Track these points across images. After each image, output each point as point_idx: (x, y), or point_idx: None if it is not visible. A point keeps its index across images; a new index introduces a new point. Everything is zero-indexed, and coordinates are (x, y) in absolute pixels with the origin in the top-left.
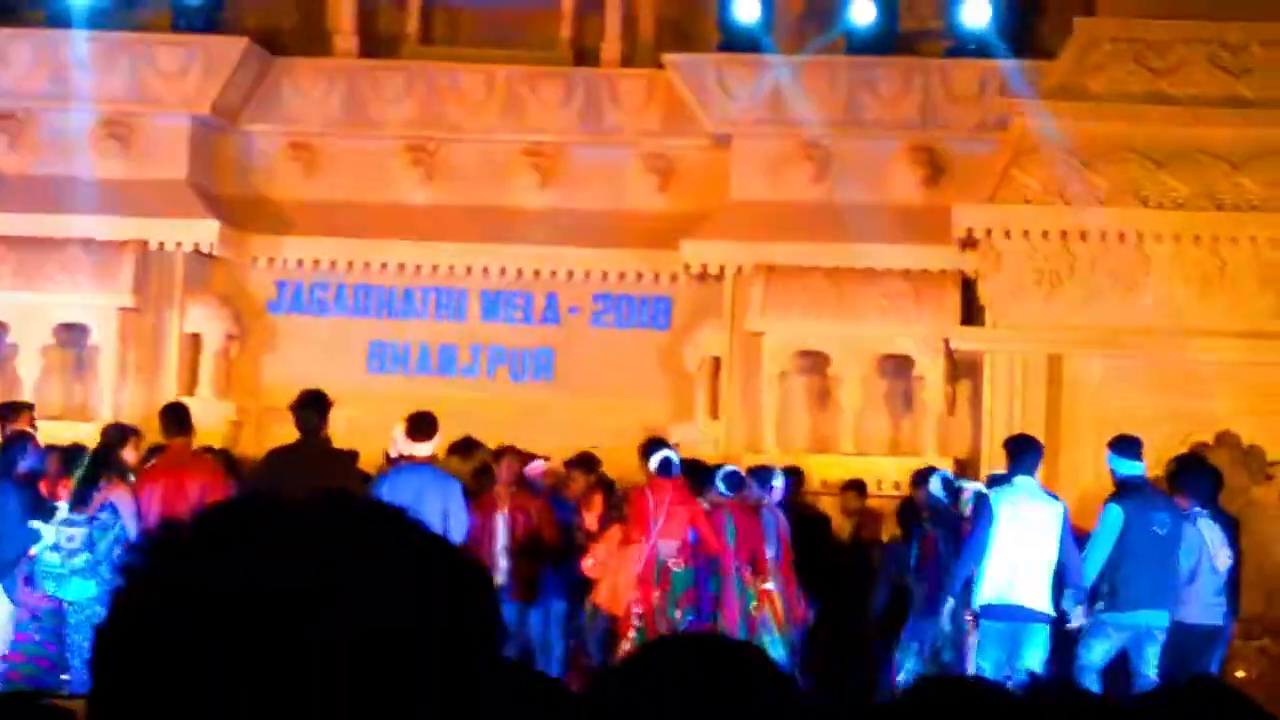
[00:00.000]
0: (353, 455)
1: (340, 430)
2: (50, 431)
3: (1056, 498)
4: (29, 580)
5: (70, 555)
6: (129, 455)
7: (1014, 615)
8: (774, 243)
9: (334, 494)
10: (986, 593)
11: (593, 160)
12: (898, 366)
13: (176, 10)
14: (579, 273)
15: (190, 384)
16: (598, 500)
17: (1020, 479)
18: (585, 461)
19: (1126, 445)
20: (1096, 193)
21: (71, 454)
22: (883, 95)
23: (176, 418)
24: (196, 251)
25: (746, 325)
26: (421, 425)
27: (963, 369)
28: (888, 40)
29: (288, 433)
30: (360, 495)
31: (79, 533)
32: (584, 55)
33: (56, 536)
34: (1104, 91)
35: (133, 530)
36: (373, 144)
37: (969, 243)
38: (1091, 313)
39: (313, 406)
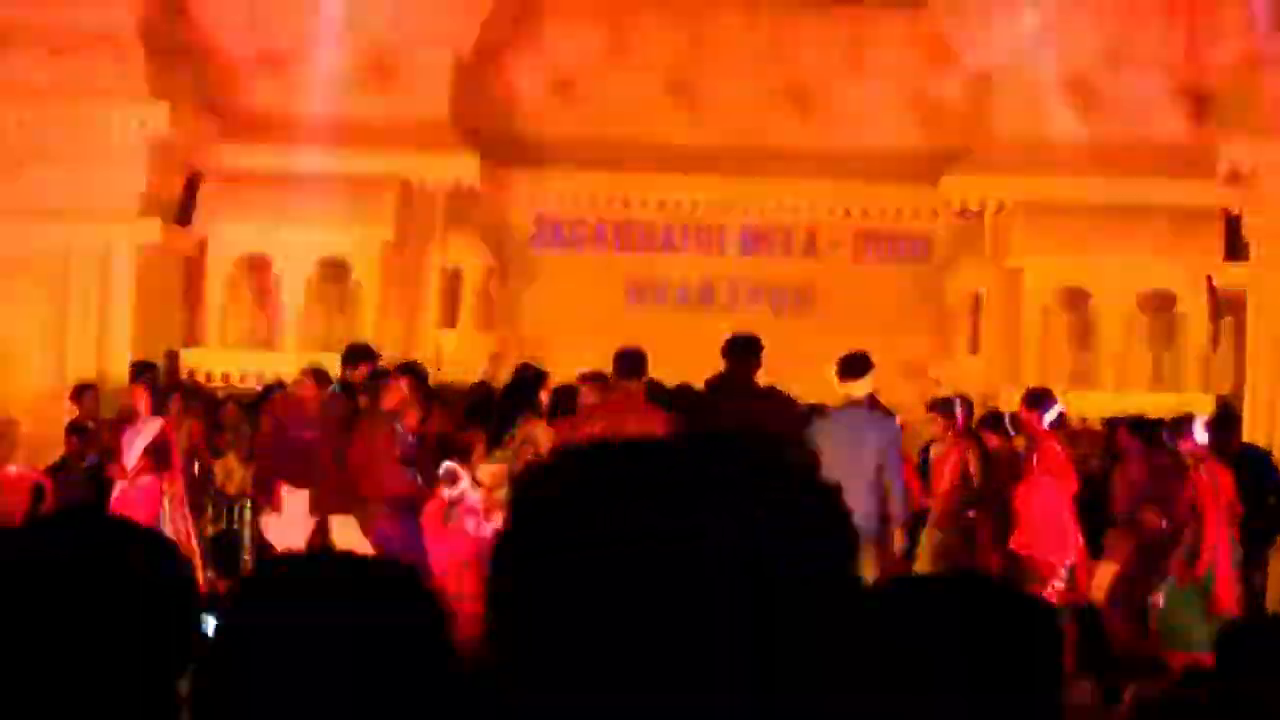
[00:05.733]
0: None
1: (597, 363)
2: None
3: None
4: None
5: (492, 491)
6: (542, 396)
7: None
8: (1035, 178)
9: (714, 436)
10: None
11: (854, 97)
12: (1160, 302)
13: None
14: (839, 209)
15: (450, 318)
16: None
17: None
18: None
19: None
20: None
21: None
22: (1148, 29)
23: (630, 363)
24: (457, 187)
25: (1007, 262)
26: (853, 364)
27: (1226, 305)
28: None
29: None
30: (750, 436)
31: (501, 470)
32: None
33: (479, 474)
34: None
35: None
36: (634, 80)
37: (1234, 178)
38: None
39: (745, 349)
